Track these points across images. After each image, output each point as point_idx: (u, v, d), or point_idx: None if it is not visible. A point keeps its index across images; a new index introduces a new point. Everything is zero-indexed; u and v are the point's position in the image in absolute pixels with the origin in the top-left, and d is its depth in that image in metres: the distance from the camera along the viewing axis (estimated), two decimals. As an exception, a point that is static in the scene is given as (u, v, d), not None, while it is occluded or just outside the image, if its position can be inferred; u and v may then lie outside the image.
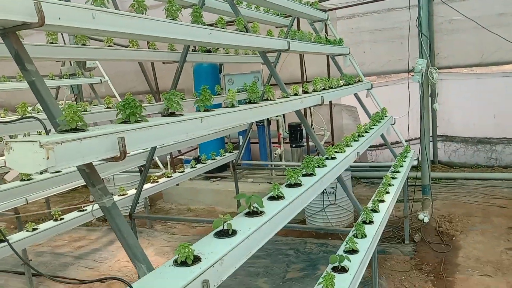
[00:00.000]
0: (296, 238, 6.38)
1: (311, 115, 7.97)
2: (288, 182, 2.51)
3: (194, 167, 5.59)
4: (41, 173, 6.79)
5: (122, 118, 1.61)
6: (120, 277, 1.50)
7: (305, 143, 7.97)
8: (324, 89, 3.72)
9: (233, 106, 2.28)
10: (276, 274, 5.26)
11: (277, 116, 8.26)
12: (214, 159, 6.08)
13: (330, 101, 8.21)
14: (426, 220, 6.22)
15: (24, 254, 5.15)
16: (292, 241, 6.23)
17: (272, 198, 2.28)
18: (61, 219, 3.91)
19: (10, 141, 1.31)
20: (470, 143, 8.76)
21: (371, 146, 9.30)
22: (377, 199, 3.49)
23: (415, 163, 5.72)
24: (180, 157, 9.74)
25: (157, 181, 4.97)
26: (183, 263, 1.51)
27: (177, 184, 8.61)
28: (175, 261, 1.54)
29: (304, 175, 2.68)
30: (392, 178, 4.22)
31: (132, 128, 1.52)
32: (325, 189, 6.61)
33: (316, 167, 2.82)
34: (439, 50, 8.25)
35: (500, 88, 8.20)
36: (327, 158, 3.14)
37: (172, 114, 1.84)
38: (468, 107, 8.51)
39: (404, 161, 4.86)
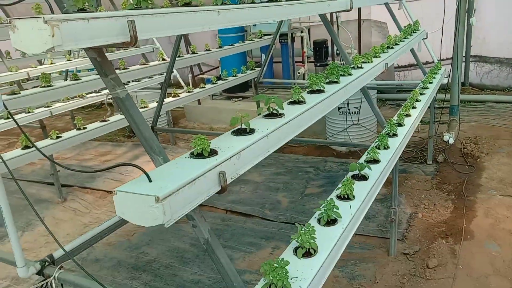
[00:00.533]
0: (317, 157, 6.38)
1: (338, 31, 7.56)
2: (311, 89, 2.39)
3: (215, 83, 5.48)
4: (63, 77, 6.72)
5: (133, 4, 1.49)
6: (135, 164, 1.48)
7: (331, 62, 7.68)
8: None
9: (253, 2, 2.11)
10: (296, 189, 5.34)
11: (301, 32, 7.91)
12: (235, 76, 5.94)
13: (359, 15, 7.75)
14: (451, 141, 6.09)
15: (51, 164, 5.34)
16: (312, 160, 6.25)
17: (293, 103, 2.19)
18: (84, 128, 3.95)
19: (14, 19, 1.22)
20: (504, 65, 8.29)
21: (399, 66, 8.93)
22: (403, 113, 3.36)
23: (445, 81, 5.45)
24: (201, 76, 9.62)
25: (178, 96, 4.92)
26: (200, 155, 1.47)
27: (199, 103, 8.68)
28: (192, 154, 1.50)
29: (327, 83, 2.55)
30: (420, 94, 4.04)
31: (144, 13, 1.41)
32: (348, 109, 6.50)
33: (341, 75, 2.68)
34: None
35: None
36: (353, 68, 2.98)
37: (188, 4, 1.71)
38: (507, 24, 7.91)
39: (434, 78, 4.62)
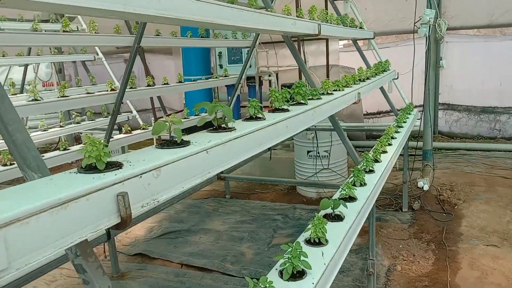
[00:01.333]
0: (285, 203, 5.90)
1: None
2: (274, 106, 1.98)
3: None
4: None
5: None
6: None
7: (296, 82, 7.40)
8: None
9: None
10: (262, 239, 4.80)
11: (269, 76, 7.69)
12: (198, 115, 5.51)
13: (327, 60, 7.63)
14: (426, 187, 5.76)
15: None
16: (280, 207, 5.75)
17: (249, 119, 1.76)
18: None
19: None
20: (472, 113, 8.26)
21: (368, 113, 8.78)
22: (379, 149, 2.98)
23: (418, 123, 5.20)
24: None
25: (131, 132, 4.42)
26: (92, 168, 0.98)
27: (161, 147, 8.17)
28: (81, 167, 1.01)
29: (292, 104, 2.15)
30: (395, 132, 3.70)
31: None
32: (318, 152, 6.14)
33: (309, 98, 2.29)
34: (445, 8, 7.63)
35: (508, 52, 7.66)
36: (323, 94, 2.61)
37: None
38: (473, 72, 7.97)
39: (408, 118, 4.33)
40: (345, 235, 1.76)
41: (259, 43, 7.16)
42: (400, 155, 3.94)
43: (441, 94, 8.31)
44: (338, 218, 1.92)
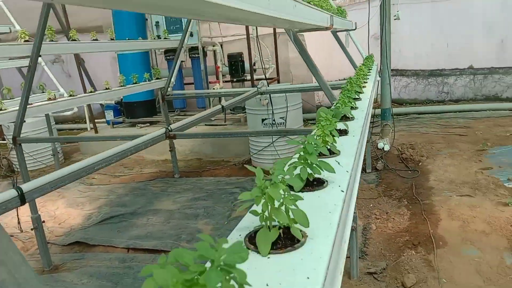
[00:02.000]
0: (242, 177, 5.39)
1: (259, 45, 6.84)
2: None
3: (109, 89, 4.32)
4: None
5: None
6: None
7: (249, 77, 6.90)
8: None
9: None
10: (220, 214, 4.25)
11: (214, 46, 7.10)
12: (136, 83, 4.83)
13: (274, 30, 7.16)
14: (387, 148, 5.50)
15: None
16: (237, 181, 5.23)
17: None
18: None
19: None
20: (421, 77, 8.20)
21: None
22: (360, 80, 2.53)
23: (378, 78, 4.88)
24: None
25: (55, 98, 3.68)
26: None
27: (96, 132, 7.33)
28: None
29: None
30: (365, 75, 3.29)
31: None
32: (273, 120, 5.67)
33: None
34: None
35: (454, 13, 7.62)
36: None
37: None
38: (422, 35, 7.88)
39: (372, 65, 3.96)
40: (357, 145, 1.29)
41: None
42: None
43: (391, 60, 8.15)
44: (341, 132, 1.45)
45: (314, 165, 1.04)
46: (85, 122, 8.84)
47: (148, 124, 7.42)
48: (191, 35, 6.66)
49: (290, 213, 0.84)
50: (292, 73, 8.08)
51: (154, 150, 6.85)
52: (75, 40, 3.72)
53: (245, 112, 6.31)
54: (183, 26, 6.73)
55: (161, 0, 0.74)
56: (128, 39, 4.62)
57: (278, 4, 1.24)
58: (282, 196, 0.82)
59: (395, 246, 3.21)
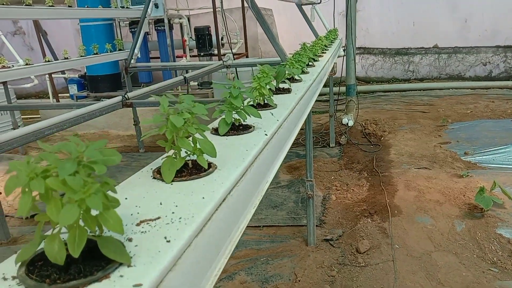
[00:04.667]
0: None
1: (225, 19, 6.73)
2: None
3: (68, 58, 4.17)
4: None
5: None
6: None
7: (215, 51, 6.80)
8: None
9: None
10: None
11: (180, 18, 6.94)
12: (96, 53, 4.68)
13: (242, 2, 7.06)
14: (350, 123, 5.57)
15: None
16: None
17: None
18: None
19: None
20: (388, 55, 8.30)
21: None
22: (316, 48, 2.52)
23: (342, 53, 4.91)
24: (64, 77, 8.06)
25: (9, 67, 3.53)
26: None
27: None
28: None
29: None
30: (326, 46, 3.28)
31: None
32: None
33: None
34: None
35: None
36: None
37: None
38: (388, 14, 7.95)
39: (335, 39, 3.96)
40: (297, 101, 1.29)
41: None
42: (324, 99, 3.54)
43: (358, 39, 8.20)
44: (284, 90, 1.44)
45: (240, 110, 1.03)
46: (49, 98, 8.57)
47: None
48: (156, 6, 6.47)
49: (198, 144, 0.83)
50: (261, 49, 8.03)
51: (119, 125, 6.73)
52: (29, 5, 3.55)
53: (212, 88, 6.25)
54: (149, -3, 6.55)
55: None
56: (88, 7, 4.45)
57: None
58: (185, 123, 0.81)
59: (352, 215, 3.29)
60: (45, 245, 0.52)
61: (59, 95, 7.39)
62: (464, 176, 3.82)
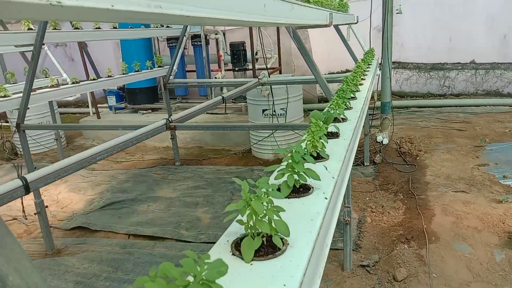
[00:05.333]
0: (242, 166, 5.47)
1: (260, 34, 6.84)
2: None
3: (111, 76, 4.37)
4: None
5: None
6: None
7: (250, 67, 6.92)
8: None
9: None
10: (219, 202, 4.34)
11: (216, 34, 7.11)
12: (138, 71, 4.87)
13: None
14: (385, 141, 5.56)
15: None
16: (236, 170, 5.31)
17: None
18: None
19: None
20: (423, 70, 8.21)
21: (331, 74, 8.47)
22: (357, 77, 2.57)
23: (378, 72, 4.92)
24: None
25: (58, 85, 3.74)
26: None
27: (99, 117, 7.39)
28: None
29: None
30: (365, 70, 3.33)
31: None
32: (274, 111, 5.72)
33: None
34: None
35: (458, 8, 7.61)
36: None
37: None
38: (424, 28, 7.87)
39: (372, 60, 3.99)
40: (346, 149, 1.35)
41: None
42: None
43: (392, 53, 8.16)
44: (332, 135, 1.51)
45: (300, 173, 1.10)
46: (87, 107, 8.91)
47: (150, 110, 7.48)
48: (194, 23, 6.67)
49: (273, 223, 0.90)
50: (294, 63, 8.10)
51: (155, 137, 6.92)
52: (78, 29, 3.75)
53: (246, 101, 6.36)
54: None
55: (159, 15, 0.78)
56: (131, 27, 4.64)
57: (274, 9, 1.29)
58: (265, 208, 0.88)
59: (388, 240, 3.30)
60: None
61: (98, 105, 7.67)
62: (503, 202, 3.75)
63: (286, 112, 5.59)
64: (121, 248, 3.58)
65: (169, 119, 3.09)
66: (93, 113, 7.92)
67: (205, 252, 2.54)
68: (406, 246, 3.16)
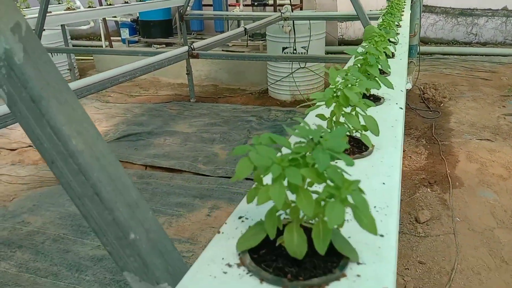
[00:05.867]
0: (258, 106, 5.35)
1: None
2: None
3: (128, 2, 4.15)
4: None
5: None
6: None
7: (271, 1, 6.59)
8: None
9: None
10: (236, 140, 4.27)
11: (236, -35, 6.71)
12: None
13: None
14: (409, 86, 5.35)
15: None
16: (253, 109, 5.20)
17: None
18: None
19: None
20: (450, 15, 7.79)
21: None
22: (400, 8, 2.37)
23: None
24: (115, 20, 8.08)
25: (74, 9, 3.55)
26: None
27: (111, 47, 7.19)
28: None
29: None
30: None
31: None
32: (294, 49, 5.50)
33: None
34: None
35: None
36: None
37: None
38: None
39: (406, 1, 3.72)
40: (405, 67, 1.24)
41: None
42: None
43: (420, -5, 7.72)
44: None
45: (374, 78, 0.98)
46: (100, 40, 8.66)
47: (164, 45, 7.25)
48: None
49: (360, 120, 0.80)
50: (316, 1, 7.71)
51: (169, 72, 6.76)
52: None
53: (265, 39, 6.11)
54: None
55: None
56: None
57: None
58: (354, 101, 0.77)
59: (410, 183, 3.24)
60: (285, 236, 0.49)
61: (111, 38, 7.45)
62: (530, 152, 3.64)
63: (307, 51, 5.37)
64: (138, 178, 3.57)
65: (192, 46, 2.94)
66: (106, 46, 7.72)
67: (224, 186, 2.50)
68: (429, 189, 3.10)
